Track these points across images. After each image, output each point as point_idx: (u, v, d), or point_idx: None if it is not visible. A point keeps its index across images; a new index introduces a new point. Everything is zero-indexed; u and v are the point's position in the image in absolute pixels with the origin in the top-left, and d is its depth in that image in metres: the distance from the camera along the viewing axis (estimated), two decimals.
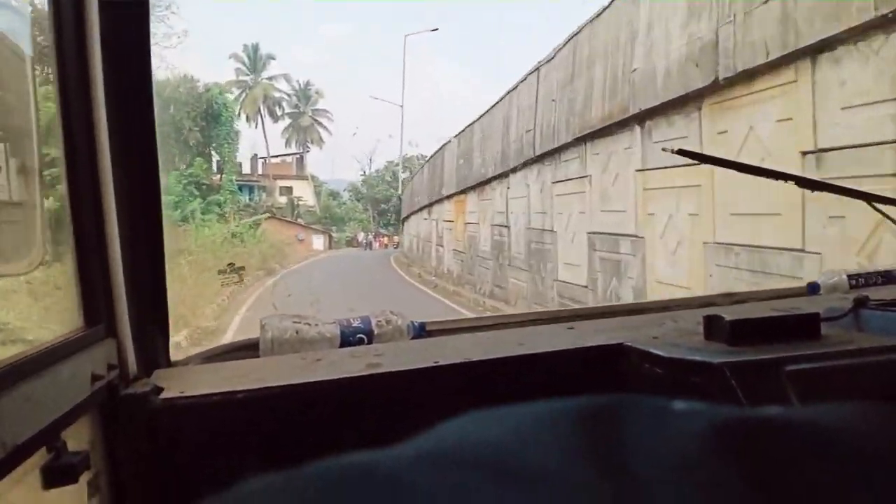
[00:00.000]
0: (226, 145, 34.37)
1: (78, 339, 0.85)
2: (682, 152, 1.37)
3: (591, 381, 1.04)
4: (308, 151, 62.50)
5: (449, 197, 20.03)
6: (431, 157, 24.66)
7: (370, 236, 54.08)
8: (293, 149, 62.39)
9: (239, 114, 54.71)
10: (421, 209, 26.81)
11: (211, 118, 32.97)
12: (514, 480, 0.24)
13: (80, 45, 0.88)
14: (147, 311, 1.01)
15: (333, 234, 50.17)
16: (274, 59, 60.43)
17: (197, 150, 31.89)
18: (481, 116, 15.87)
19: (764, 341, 0.95)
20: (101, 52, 0.90)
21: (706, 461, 0.26)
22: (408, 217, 32.97)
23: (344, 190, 65.52)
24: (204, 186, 28.81)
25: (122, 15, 0.93)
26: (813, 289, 1.58)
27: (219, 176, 33.46)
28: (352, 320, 1.23)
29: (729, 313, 1.02)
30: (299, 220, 46.54)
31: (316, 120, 62.91)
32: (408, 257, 31.46)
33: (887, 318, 1.01)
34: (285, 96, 62.56)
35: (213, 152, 33.95)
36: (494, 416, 0.29)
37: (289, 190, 53.45)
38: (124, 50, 0.94)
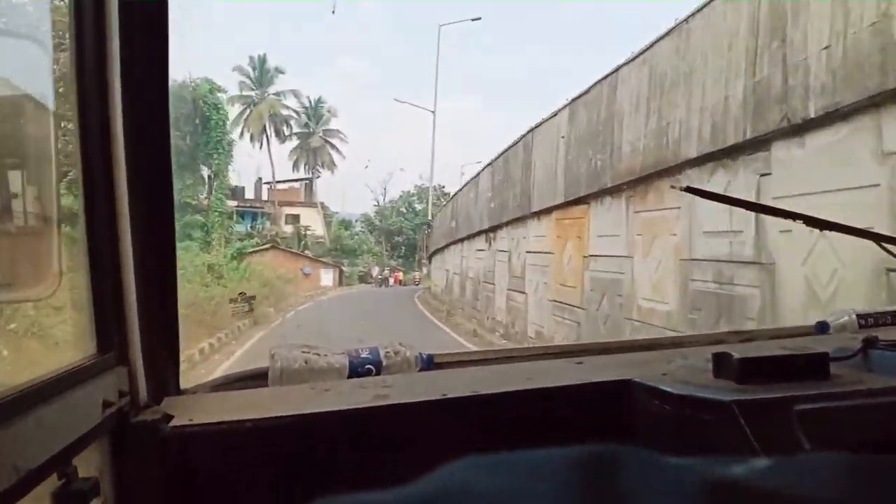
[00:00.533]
0: (216, 156, 28.25)
1: (90, 366, 0.85)
2: (689, 189, 1.38)
3: (599, 417, 1.04)
4: (318, 176, 57.53)
5: (542, 213, 12.64)
6: (487, 166, 18.07)
7: (385, 271, 48.58)
8: (301, 172, 57.36)
9: (242, 133, 51.04)
10: (467, 238, 20.76)
11: (198, 122, 27.14)
12: None
13: (100, 69, 0.90)
14: (158, 339, 1.01)
15: (344, 268, 45.93)
16: (283, 73, 54.26)
17: (178, 161, 24.67)
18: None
19: (773, 380, 0.95)
20: (120, 79, 0.91)
21: None
22: (440, 250, 29.05)
23: (356, 221, 60.88)
24: (188, 207, 25.10)
25: (141, 38, 0.94)
26: (822, 328, 1.58)
27: (207, 196, 28.52)
28: (360, 351, 1.23)
29: (737, 351, 1.02)
30: (306, 252, 42.60)
31: (327, 141, 57.25)
32: (441, 300, 25.98)
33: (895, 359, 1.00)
34: (294, 114, 56.61)
35: (201, 165, 28.48)
36: (495, 463, 0.30)
37: (296, 218, 49.01)
38: (143, 81, 0.95)
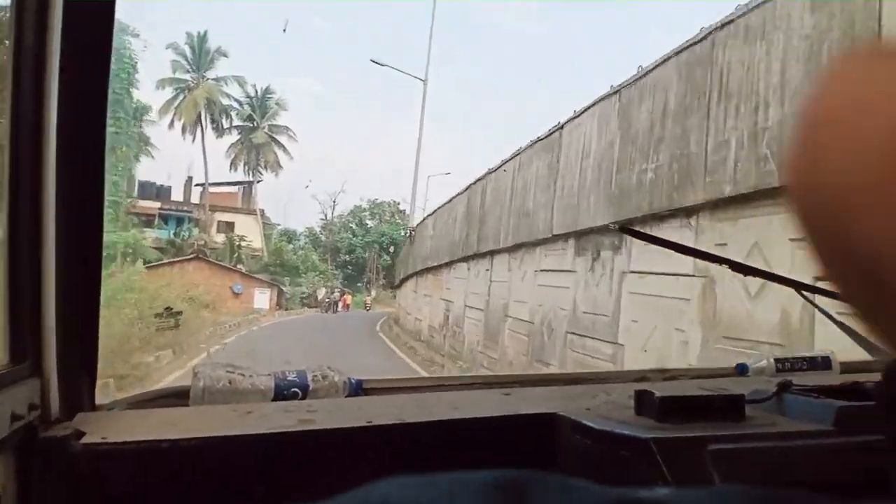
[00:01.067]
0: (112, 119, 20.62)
1: (1, 375, 0.82)
2: (623, 230, 1.42)
3: (523, 449, 1.04)
4: (260, 180, 49.30)
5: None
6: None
7: (335, 293, 41.15)
8: (240, 173, 48.69)
9: (172, 122, 44.13)
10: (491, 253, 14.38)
11: None
12: None
13: (38, 67, 0.87)
14: (76, 352, 0.98)
15: (284, 288, 38.89)
16: (226, 56, 45.72)
17: None
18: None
19: (690, 419, 0.98)
20: (58, 78, 0.89)
21: None
22: (422, 273, 22.99)
23: (300, 235, 55.02)
24: None
25: (84, 36, 0.92)
26: (741, 369, 1.63)
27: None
28: (287, 373, 1.21)
29: (660, 389, 1.04)
30: (239, 267, 36.89)
31: (273, 138, 48.66)
32: (431, 343, 19.40)
33: (808, 404, 1.04)
34: (236, 104, 48.02)
35: None
36: (417, 482, 0.30)
37: (230, 226, 41.88)
38: (80, 81, 0.92)
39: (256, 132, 48.00)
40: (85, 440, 0.89)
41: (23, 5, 0.86)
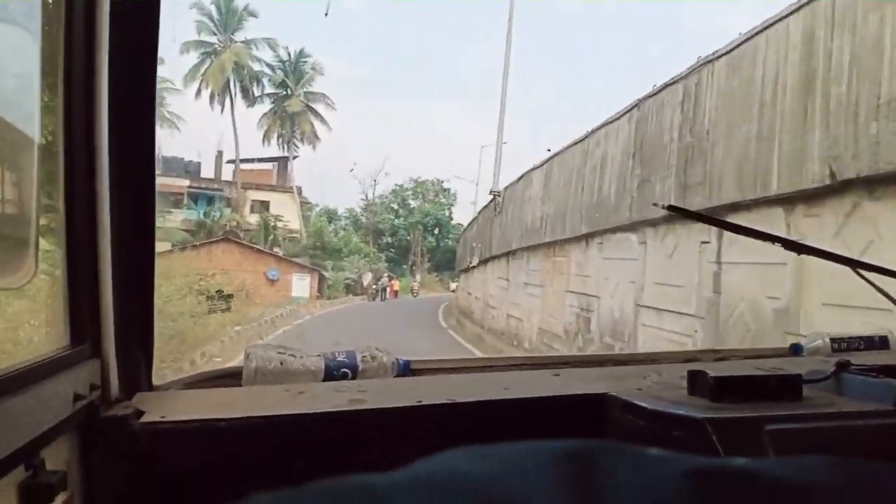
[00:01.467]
0: None
1: (62, 357, 0.84)
2: (671, 208, 1.39)
3: (573, 429, 1.03)
4: (296, 156, 43.53)
5: None
6: None
7: (384, 279, 36.24)
8: (273, 146, 42.83)
9: (199, 90, 39.37)
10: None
11: None
12: None
13: (89, 63, 0.89)
14: (133, 334, 1.00)
15: (326, 273, 33.64)
16: (255, 16, 39.83)
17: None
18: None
19: (746, 399, 0.96)
20: (108, 72, 0.91)
21: None
22: (503, 256, 17.56)
23: (340, 215, 51.63)
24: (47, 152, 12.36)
25: (131, 34, 0.94)
26: (796, 350, 1.60)
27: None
28: (337, 354, 1.22)
29: (712, 369, 1.03)
30: (275, 250, 32.65)
31: (310, 106, 42.34)
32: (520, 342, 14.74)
33: (867, 384, 1.02)
34: (267, 69, 41.77)
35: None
36: (481, 452, 0.31)
37: (264, 206, 37.47)
38: (130, 76, 0.95)
39: (291, 99, 41.67)
40: (144, 419, 0.91)
41: (72, 7, 0.88)
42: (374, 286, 34.63)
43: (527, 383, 1.18)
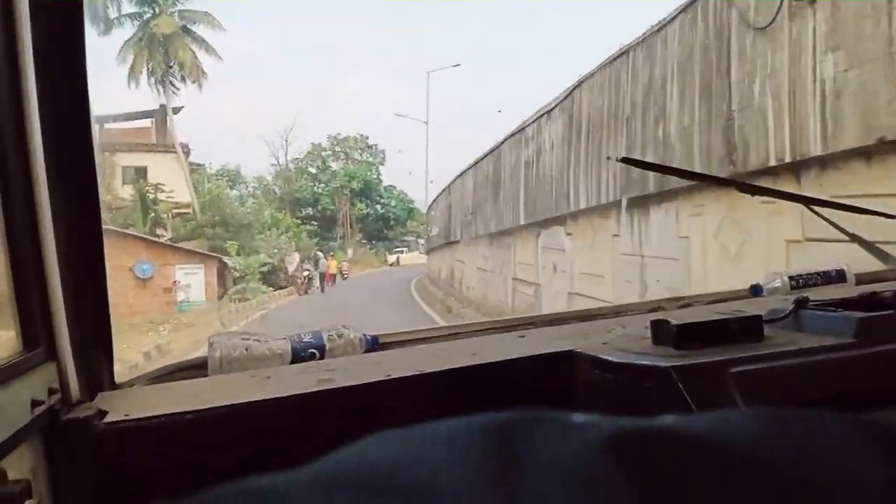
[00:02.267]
0: None
1: (15, 364, 0.82)
2: (626, 160, 1.39)
3: (542, 389, 1.05)
4: (180, 108, 31.73)
5: None
6: None
7: (322, 261, 27.28)
8: (143, 87, 30.60)
9: None
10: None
11: None
12: (405, 499, 0.25)
13: (11, 58, 0.85)
14: (89, 333, 0.98)
15: (229, 260, 23.50)
16: None
17: None
18: None
19: (709, 344, 0.97)
20: (34, 62, 0.87)
21: (599, 471, 0.27)
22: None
23: (246, 179, 41.80)
24: None
25: (55, 22, 0.90)
26: (756, 291, 1.63)
27: None
28: (303, 335, 1.21)
29: (675, 317, 1.04)
30: (161, 233, 24.03)
31: (187, 28, 30.87)
32: None
33: (827, 319, 1.04)
34: None
35: None
36: (398, 436, 0.30)
37: (140, 173, 26.97)
38: (58, 60, 0.91)
39: (159, 18, 29.95)
40: (108, 419, 0.89)
41: None
42: (304, 272, 25.16)
43: (494, 347, 1.18)
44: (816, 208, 1.63)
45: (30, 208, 0.88)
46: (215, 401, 0.94)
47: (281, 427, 0.95)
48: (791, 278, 1.62)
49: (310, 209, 44.12)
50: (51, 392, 0.87)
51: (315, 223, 42.02)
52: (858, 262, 1.69)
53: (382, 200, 49.38)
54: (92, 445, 0.87)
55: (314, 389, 0.97)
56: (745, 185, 1.46)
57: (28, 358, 0.85)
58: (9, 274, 0.87)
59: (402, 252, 44.30)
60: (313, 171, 46.55)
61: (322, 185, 45.75)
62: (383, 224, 49.52)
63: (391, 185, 51.14)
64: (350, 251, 40.73)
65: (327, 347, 1.21)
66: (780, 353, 0.95)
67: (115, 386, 1.04)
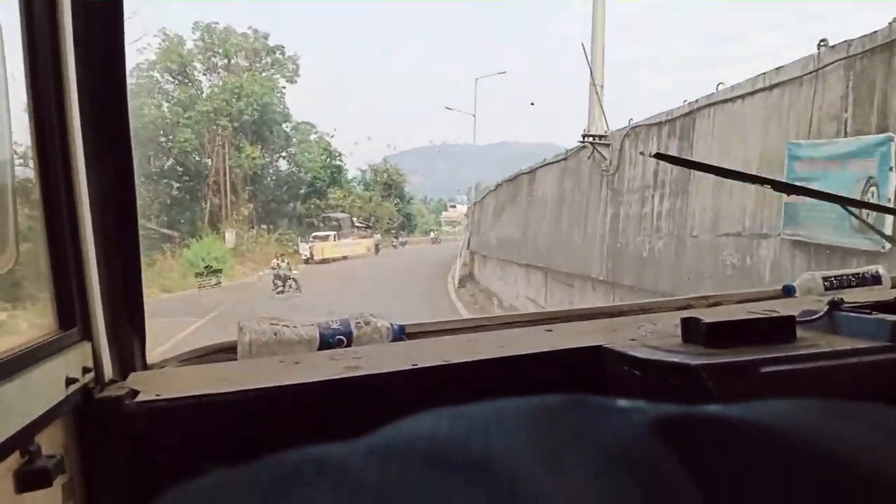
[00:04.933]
0: None
1: (52, 342, 0.84)
2: (659, 156, 1.38)
3: (569, 384, 1.04)
4: None
5: None
6: None
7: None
8: None
9: None
10: None
11: None
12: (460, 472, 0.26)
13: (54, 43, 0.87)
14: (123, 314, 0.99)
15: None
16: None
17: None
18: None
19: (740, 343, 0.96)
20: (74, 51, 0.88)
21: (648, 452, 0.27)
22: None
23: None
24: None
25: (95, 16, 0.91)
26: (788, 291, 1.60)
27: None
28: (331, 322, 1.22)
29: (706, 316, 1.03)
30: None
31: None
32: None
33: (861, 321, 1.02)
34: None
35: None
36: (449, 414, 0.30)
37: None
38: (98, 50, 0.92)
39: None
40: (139, 398, 0.91)
41: (31, 10, 0.85)
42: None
43: (520, 341, 1.18)
44: (851, 208, 1.60)
45: (68, 195, 0.90)
46: (244, 384, 0.95)
47: (307, 411, 0.96)
48: (825, 279, 1.60)
49: (160, 158, 25.84)
50: (85, 371, 0.89)
51: (175, 184, 25.48)
52: None
53: (290, 148, 31.08)
54: (123, 424, 0.89)
55: (342, 376, 0.98)
56: (781, 183, 1.44)
57: (63, 337, 0.87)
58: (47, 256, 0.89)
59: (324, 239, 29.07)
60: (169, 85, 27.21)
61: (179, 108, 26.67)
62: (289, 190, 31.73)
63: (306, 123, 32.91)
64: (230, 235, 25.06)
65: (355, 335, 1.22)
66: (813, 355, 0.93)
67: (146, 367, 1.06)
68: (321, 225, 31.59)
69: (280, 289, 19.21)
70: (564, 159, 12.73)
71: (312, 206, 33.07)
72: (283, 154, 30.03)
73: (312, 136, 33.68)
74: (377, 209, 37.22)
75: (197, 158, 26.20)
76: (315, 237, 29.26)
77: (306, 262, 25.36)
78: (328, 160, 33.41)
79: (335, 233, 30.20)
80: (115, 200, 0.97)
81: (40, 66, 0.86)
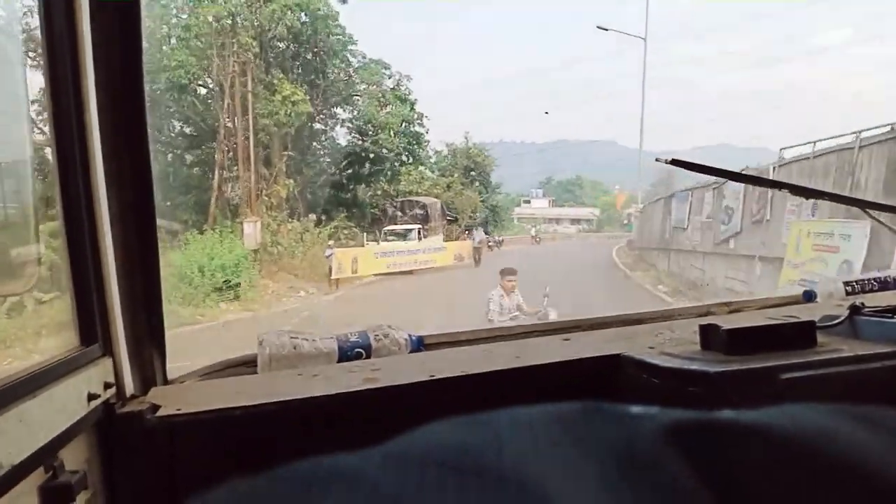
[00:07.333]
0: None
1: (74, 358, 0.85)
2: (675, 162, 1.38)
3: (587, 393, 1.03)
4: None
5: None
6: None
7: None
8: None
9: None
10: None
11: None
12: (474, 479, 0.26)
13: (74, 63, 0.88)
14: (143, 330, 1.00)
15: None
16: None
17: None
18: None
19: (760, 350, 0.95)
20: (94, 69, 0.89)
21: (658, 460, 0.27)
22: None
23: None
24: None
25: (113, 20, 0.92)
26: (808, 296, 1.59)
27: None
28: (350, 335, 1.23)
29: (725, 322, 1.02)
30: None
31: None
32: None
33: (882, 325, 1.01)
34: None
35: None
36: (463, 422, 0.31)
37: None
38: (118, 69, 0.93)
39: None
40: (160, 413, 0.92)
41: (50, 14, 0.86)
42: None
43: (538, 350, 1.17)
44: (872, 212, 1.58)
45: (89, 212, 0.91)
46: (264, 397, 0.96)
47: (327, 424, 0.96)
48: (846, 283, 1.58)
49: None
50: (106, 386, 0.90)
51: (162, 143, 17.80)
52: None
53: (352, 90, 21.75)
54: (145, 438, 0.90)
55: (360, 388, 0.98)
56: (796, 187, 1.43)
57: (85, 353, 0.88)
58: (69, 273, 0.90)
59: (402, 235, 20.83)
60: None
61: (180, 29, 17.79)
62: (352, 163, 22.51)
63: (377, 62, 22.64)
64: (250, 228, 16.62)
65: (373, 347, 1.22)
66: (834, 360, 0.92)
67: (167, 381, 1.07)
68: (399, 214, 22.39)
69: None
70: None
71: (380, 191, 23.46)
72: (343, 108, 19.33)
73: (382, 77, 22.13)
74: (457, 198, 27.72)
75: (199, 104, 16.28)
76: (390, 233, 20.61)
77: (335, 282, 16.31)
78: (406, 126, 23.37)
79: (419, 226, 21.37)
80: (134, 219, 0.98)
81: (60, 79, 0.87)
